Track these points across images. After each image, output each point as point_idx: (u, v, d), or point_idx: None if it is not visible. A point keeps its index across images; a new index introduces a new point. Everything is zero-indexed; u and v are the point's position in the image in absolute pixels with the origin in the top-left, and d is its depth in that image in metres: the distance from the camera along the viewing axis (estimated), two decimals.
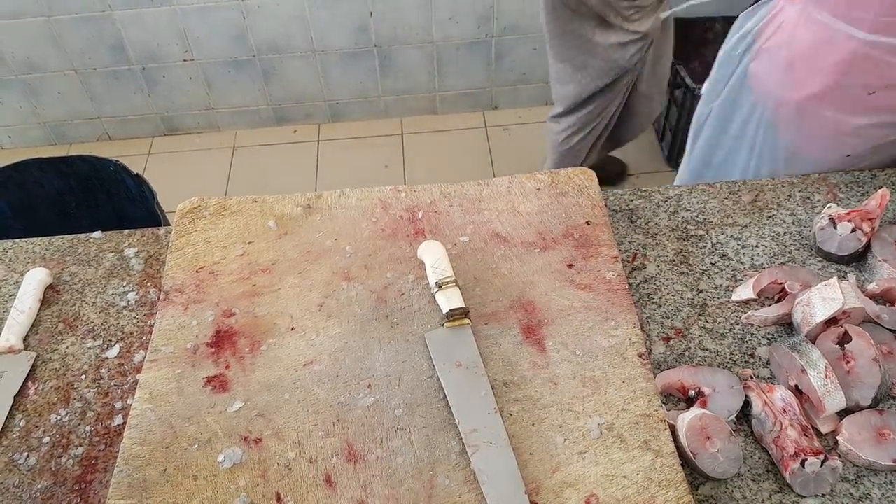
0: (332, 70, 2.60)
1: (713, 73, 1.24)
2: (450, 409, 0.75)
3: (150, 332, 0.85)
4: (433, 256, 0.87)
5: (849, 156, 1.07)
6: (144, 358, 0.82)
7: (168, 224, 0.98)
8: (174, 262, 0.90)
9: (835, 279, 0.83)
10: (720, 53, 1.21)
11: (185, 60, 2.54)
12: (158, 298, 0.88)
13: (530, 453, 0.72)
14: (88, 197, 1.63)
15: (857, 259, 0.92)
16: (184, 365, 0.80)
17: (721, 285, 0.91)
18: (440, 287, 0.84)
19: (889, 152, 1.06)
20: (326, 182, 2.54)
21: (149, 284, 0.93)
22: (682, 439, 0.73)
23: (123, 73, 2.55)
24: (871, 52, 0.95)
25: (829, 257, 0.93)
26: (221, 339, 0.82)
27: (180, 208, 0.96)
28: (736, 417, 0.78)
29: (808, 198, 1.01)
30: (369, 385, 0.78)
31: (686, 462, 0.73)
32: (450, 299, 0.83)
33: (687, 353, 0.84)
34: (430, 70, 2.63)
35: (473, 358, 0.79)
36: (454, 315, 0.82)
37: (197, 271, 0.89)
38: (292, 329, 0.83)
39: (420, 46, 2.55)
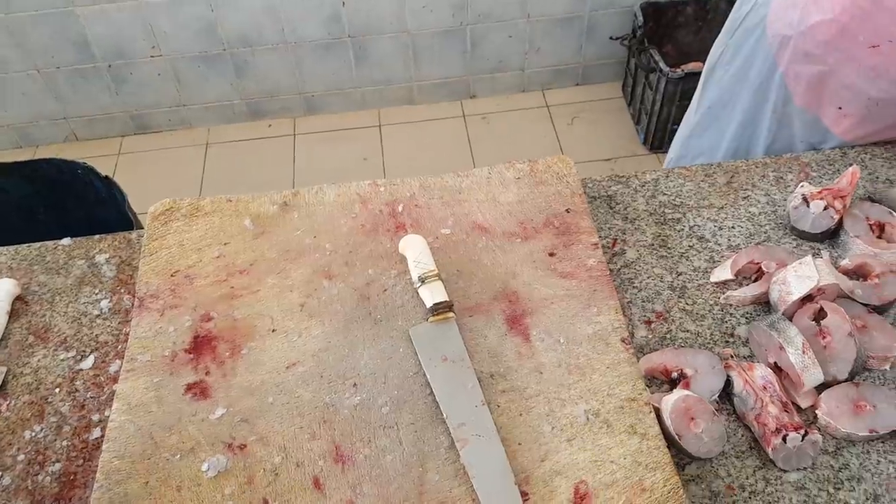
0: (305, 62, 2.57)
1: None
2: (437, 404, 0.75)
3: (126, 341, 0.84)
4: (415, 250, 0.87)
5: (840, 108, 1.07)
6: (121, 368, 0.80)
7: (141, 227, 0.97)
8: (148, 266, 0.89)
9: (809, 257, 0.84)
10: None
11: (152, 56, 2.49)
12: (133, 305, 0.86)
13: (519, 443, 0.73)
14: (56, 202, 1.58)
15: (831, 236, 0.93)
16: (162, 373, 0.79)
17: (699, 267, 0.92)
18: (423, 281, 0.83)
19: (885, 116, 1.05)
20: (304, 176, 2.52)
21: (122, 291, 0.92)
22: (667, 421, 0.74)
23: (89, 71, 2.50)
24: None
25: (803, 235, 0.94)
26: (200, 345, 0.82)
27: (152, 211, 0.94)
28: (718, 397, 0.79)
29: (781, 178, 1.02)
30: (355, 384, 0.78)
31: (671, 443, 0.73)
32: (433, 293, 0.83)
33: (669, 336, 0.85)
34: (406, 60, 2.61)
35: (459, 351, 0.79)
36: (438, 309, 0.81)
37: (172, 275, 0.88)
38: (273, 331, 0.82)
39: (395, 36, 2.53)
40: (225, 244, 0.91)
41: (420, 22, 2.50)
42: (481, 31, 2.55)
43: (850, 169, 0.93)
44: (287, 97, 2.68)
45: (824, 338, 0.79)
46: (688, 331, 0.86)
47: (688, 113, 1.36)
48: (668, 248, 0.94)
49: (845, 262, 0.88)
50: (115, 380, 0.82)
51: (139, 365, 0.80)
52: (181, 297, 0.86)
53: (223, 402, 0.77)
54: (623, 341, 0.80)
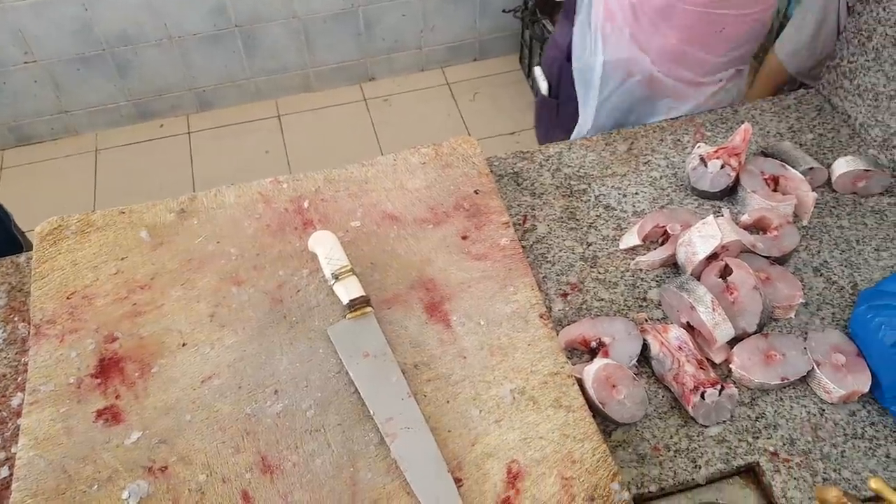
0: (192, 56, 2.47)
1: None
2: (363, 402, 0.74)
3: (26, 372, 0.78)
4: (325, 247, 0.84)
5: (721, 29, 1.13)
6: (23, 401, 0.75)
7: (31, 248, 0.90)
8: (40, 290, 0.83)
9: (711, 217, 0.86)
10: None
11: (26, 63, 2.33)
12: (29, 333, 0.81)
13: (448, 431, 0.73)
14: None
15: (729, 193, 0.97)
16: (69, 402, 0.74)
17: (608, 235, 0.93)
18: (337, 278, 0.81)
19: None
20: (204, 175, 2.43)
21: (16, 319, 0.85)
22: (590, 391, 0.75)
23: None
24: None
25: (703, 195, 0.97)
26: (107, 368, 0.77)
27: (38, 231, 0.88)
28: (637, 361, 0.81)
29: (679, 140, 1.04)
30: (276, 391, 0.75)
31: (596, 412, 0.75)
32: (348, 289, 0.81)
33: (584, 306, 0.87)
34: (299, 46, 2.54)
35: (380, 345, 0.78)
36: (355, 305, 0.80)
37: (68, 298, 0.82)
38: (183, 345, 0.79)
39: (285, 22, 2.46)
40: (122, 259, 0.86)
41: (309, 6, 2.43)
42: (374, 11, 2.51)
43: (742, 126, 0.97)
44: (177, 94, 2.57)
45: (731, 293, 0.82)
46: (602, 299, 0.87)
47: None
48: (577, 219, 0.95)
49: (745, 218, 0.92)
50: (18, 414, 0.77)
51: (43, 396, 0.75)
52: (81, 319, 0.81)
53: (138, 425, 0.73)
54: (541, 317, 0.81)
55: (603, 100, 1.24)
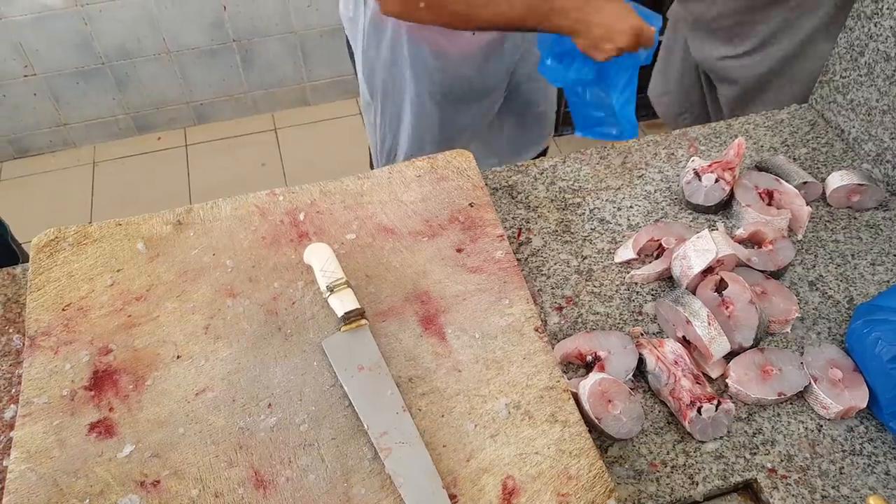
0: (191, 70, 2.48)
1: (347, 31, 1.36)
2: (357, 416, 0.73)
3: (20, 384, 0.78)
4: (321, 259, 0.84)
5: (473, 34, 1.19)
6: (16, 413, 0.75)
7: (27, 260, 0.90)
8: (36, 302, 0.83)
9: (706, 230, 0.87)
10: None
11: (26, 76, 2.34)
12: (24, 345, 0.80)
13: (443, 445, 0.72)
14: None
15: (723, 207, 0.97)
16: (62, 414, 0.74)
17: (603, 249, 0.94)
18: (332, 290, 0.81)
19: None
20: (201, 188, 2.43)
21: (11, 331, 0.85)
22: (586, 406, 0.75)
23: None
24: None
25: (697, 209, 0.97)
26: (101, 380, 0.77)
27: (35, 243, 0.88)
28: (633, 376, 0.81)
29: (673, 154, 1.05)
30: (269, 404, 0.75)
31: (592, 427, 0.74)
32: (343, 302, 0.81)
33: (580, 320, 0.86)
34: (296, 61, 2.56)
35: (375, 358, 0.78)
36: (350, 317, 0.79)
37: (63, 309, 0.82)
38: (178, 357, 0.78)
39: (282, 37, 2.47)
40: (118, 271, 0.86)
41: (306, 22, 2.45)
42: None
43: (736, 141, 0.97)
44: (175, 108, 2.57)
45: (727, 307, 0.82)
46: (598, 313, 0.87)
47: None
48: (572, 232, 0.95)
49: (740, 232, 0.92)
50: (11, 426, 0.76)
51: (36, 408, 0.75)
52: (75, 331, 0.81)
53: (131, 439, 0.73)
54: (536, 330, 0.81)
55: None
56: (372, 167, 1.72)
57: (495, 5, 1.05)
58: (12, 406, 0.78)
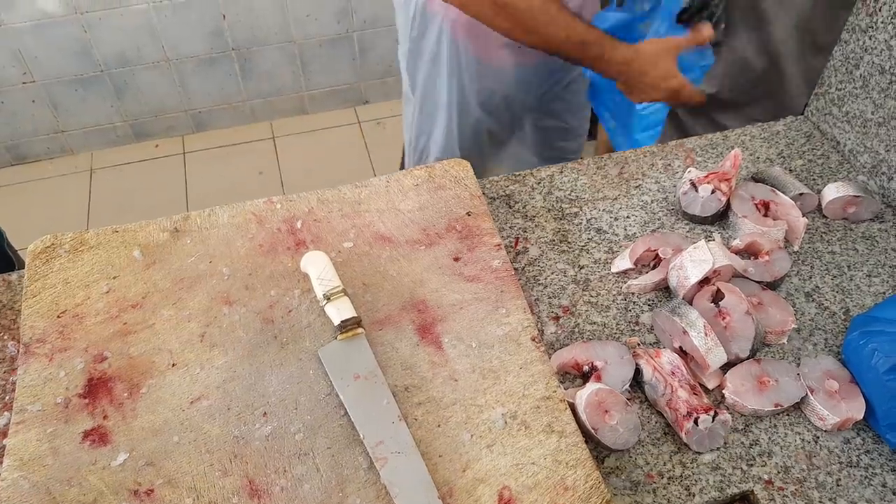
0: (189, 78, 2.48)
1: (397, 17, 1.33)
2: (353, 425, 0.73)
3: (13, 391, 0.77)
4: (318, 267, 0.84)
5: (520, 47, 1.19)
6: (9, 420, 0.74)
7: (23, 266, 0.90)
8: (31, 309, 0.83)
9: (702, 241, 0.87)
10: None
11: (24, 83, 2.34)
12: (18, 352, 0.80)
13: (439, 455, 0.72)
14: None
15: (720, 218, 0.97)
16: (56, 422, 0.73)
17: (600, 259, 0.94)
18: (328, 299, 0.81)
19: None
20: (198, 196, 2.43)
21: (5, 338, 0.85)
22: (582, 416, 0.75)
23: None
24: None
25: (694, 219, 0.97)
26: (95, 388, 0.76)
27: (31, 249, 0.88)
28: (630, 386, 0.81)
29: (669, 164, 1.05)
30: (265, 413, 0.74)
31: (588, 438, 0.74)
32: (340, 310, 0.80)
33: (577, 330, 0.86)
34: (294, 70, 2.56)
35: (371, 367, 0.78)
36: (346, 326, 0.79)
37: (58, 316, 0.82)
38: (173, 365, 0.78)
39: (280, 46, 2.48)
40: (114, 278, 0.86)
41: (305, 31, 2.46)
42: (369, 36, 2.54)
43: (733, 152, 0.97)
44: (173, 115, 2.58)
45: (724, 318, 0.82)
46: (594, 323, 0.87)
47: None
48: (569, 242, 0.95)
49: (736, 243, 0.92)
50: (4, 434, 0.76)
51: (30, 416, 0.74)
52: (70, 338, 0.80)
53: (125, 447, 0.72)
54: (533, 340, 0.81)
55: None
56: (402, 167, 1.73)
57: (556, 28, 1.07)
58: (6, 413, 0.77)
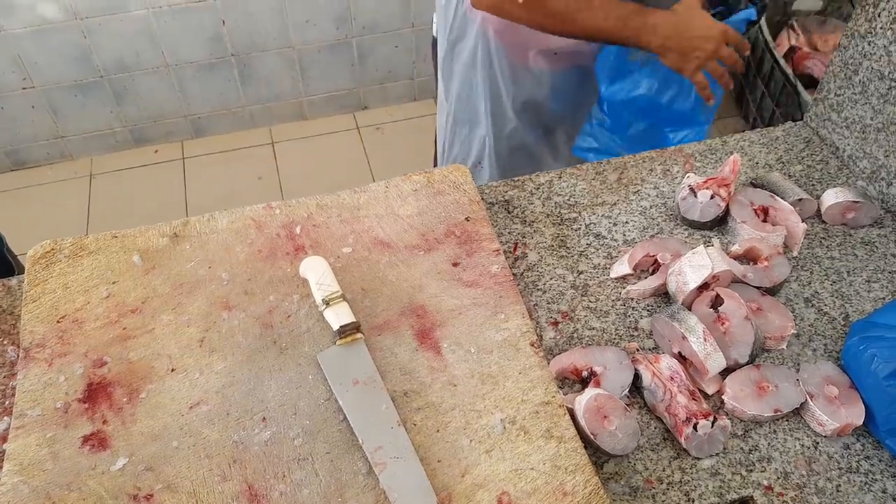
0: (188, 84, 2.49)
1: (436, 18, 1.33)
2: (352, 430, 0.73)
3: (13, 396, 0.77)
4: (317, 272, 0.84)
5: (556, 53, 1.20)
6: (9, 425, 0.74)
7: (23, 271, 0.90)
8: (31, 314, 0.83)
9: (701, 246, 0.87)
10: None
11: (24, 88, 2.34)
12: (18, 357, 0.80)
13: (438, 461, 0.72)
14: None
15: (719, 223, 0.97)
16: (55, 427, 0.73)
17: (599, 264, 0.94)
18: (327, 304, 0.81)
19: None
20: (197, 201, 2.43)
21: (5, 343, 0.85)
22: (581, 421, 0.75)
23: None
24: None
25: (693, 225, 0.97)
26: (95, 393, 0.76)
27: (31, 254, 0.88)
28: (629, 391, 0.80)
29: (668, 170, 1.05)
30: (264, 418, 0.74)
31: (587, 443, 0.74)
32: (339, 315, 0.80)
33: (576, 335, 0.86)
34: (294, 75, 2.56)
35: (370, 372, 0.78)
36: (345, 331, 0.79)
37: (58, 321, 0.82)
38: (172, 370, 0.78)
39: (279, 52, 2.48)
40: (113, 283, 0.86)
41: (304, 37, 2.46)
42: (368, 42, 2.54)
43: (732, 157, 0.98)
44: (172, 121, 2.58)
45: (723, 324, 0.82)
46: (593, 328, 0.87)
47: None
48: (568, 247, 0.95)
49: (735, 248, 0.92)
50: (4, 438, 0.76)
51: (30, 420, 0.74)
52: (70, 343, 0.80)
53: (124, 452, 0.72)
54: (532, 345, 0.81)
55: None
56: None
57: (591, 12, 1.06)
58: (6, 418, 0.77)
